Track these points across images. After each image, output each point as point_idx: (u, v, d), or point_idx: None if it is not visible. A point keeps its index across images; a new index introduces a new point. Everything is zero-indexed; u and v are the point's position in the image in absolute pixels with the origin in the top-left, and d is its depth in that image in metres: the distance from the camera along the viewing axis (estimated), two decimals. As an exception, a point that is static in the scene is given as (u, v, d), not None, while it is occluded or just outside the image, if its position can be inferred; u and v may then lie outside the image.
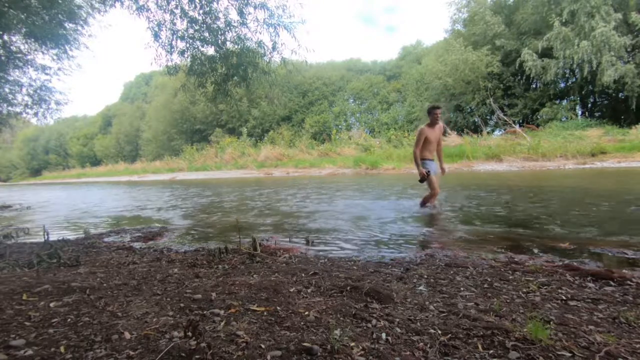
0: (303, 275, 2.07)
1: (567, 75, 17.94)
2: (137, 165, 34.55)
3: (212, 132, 30.69)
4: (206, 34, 5.21)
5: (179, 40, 5.27)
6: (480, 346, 1.19)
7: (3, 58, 6.30)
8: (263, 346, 1.21)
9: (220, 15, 5.21)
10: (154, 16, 5.11)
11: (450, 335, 1.26)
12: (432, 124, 4.49)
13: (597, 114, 18.03)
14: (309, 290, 1.80)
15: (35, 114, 7.80)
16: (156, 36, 5.18)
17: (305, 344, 1.20)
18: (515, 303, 1.57)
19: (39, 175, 47.06)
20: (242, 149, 25.87)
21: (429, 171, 4.38)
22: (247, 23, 5.21)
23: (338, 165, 18.03)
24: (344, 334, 1.25)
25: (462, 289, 1.78)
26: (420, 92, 23.62)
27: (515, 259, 2.34)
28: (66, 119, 46.74)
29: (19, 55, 6.51)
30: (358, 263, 2.39)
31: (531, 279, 1.89)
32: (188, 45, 5.33)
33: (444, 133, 4.84)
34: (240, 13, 5.13)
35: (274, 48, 5.33)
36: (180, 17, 5.12)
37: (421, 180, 4.41)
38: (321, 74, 29.76)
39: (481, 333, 1.26)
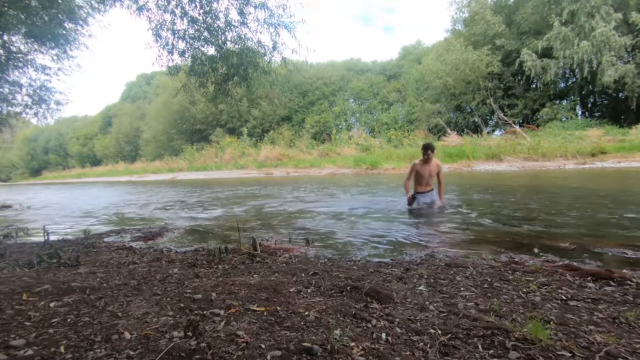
0: (303, 275, 2.07)
1: (567, 75, 17.95)
2: (137, 165, 34.57)
3: (212, 132, 30.70)
4: (206, 34, 5.20)
5: (179, 41, 5.26)
6: (480, 346, 1.19)
7: (3, 58, 6.29)
8: (263, 346, 1.20)
9: (221, 15, 5.20)
10: (154, 16, 5.11)
11: (450, 335, 1.26)
12: (425, 161, 4.59)
13: (597, 114, 18.04)
14: (309, 290, 1.79)
15: (35, 114, 7.78)
16: (158, 36, 5.18)
17: (305, 344, 1.20)
18: (515, 303, 1.57)
19: (39, 175, 47.07)
20: (242, 149, 25.88)
21: (413, 196, 4.68)
22: (247, 23, 5.20)
23: (338, 165, 18.03)
24: (344, 334, 1.25)
25: (462, 289, 1.78)
26: (420, 92, 23.63)
27: (515, 259, 2.34)
28: (66, 119, 46.82)
29: (19, 55, 6.50)
30: (358, 263, 2.39)
31: (531, 279, 1.88)
32: (188, 45, 5.32)
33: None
34: (241, 13, 5.11)
35: (274, 48, 5.31)
36: (181, 17, 5.11)
37: (408, 204, 4.72)
38: (321, 74, 29.76)
39: (481, 333, 1.26)
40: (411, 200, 4.63)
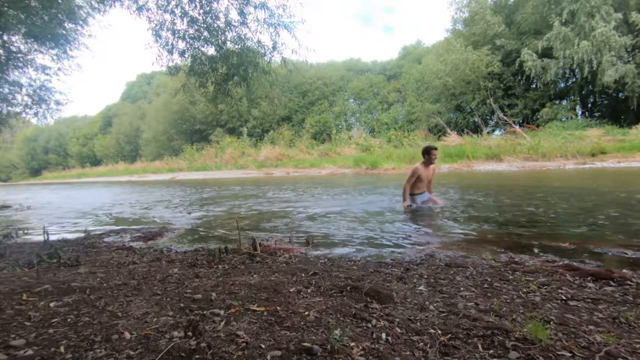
0: (303, 275, 2.07)
1: (567, 75, 17.96)
2: (137, 165, 34.59)
3: (212, 132, 30.71)
4: (206, 34, 5.20)
5: (179, 41, 5.26)
6: (480, 346, 1.19)
7: (3, 58, 6.29)
8: (263, 346, 1.21)
9: (221, 15, 5.20)
10: (154, 16, 5.11)
11: (450, 335, 1.26)
12: (427, 163, 4.62)
13: (597, 114, 18.05)
14: (309, 290, 1.79)
15: (35, 114, 7.78)
16: (157, 36, 5.18)
17: (305, 344, 1.20)
18: (515, 303, 1.57)
19: (39, 175, 47.09)
20: (242, 149, 25.89)
21: (410, 205, 4.62)
22: (247, 23, 5.20)
23: (338, 165, 18.03)
24: (344, 334, 1.25)
25: (462, 289, 1.78)
26: (420, 92, 23.64)
27: (515, 259, 2.34)
28: (66, 119, 46.84)
29: (19, 55, 6.50)
30: (358, 263, 2.39)
31: (531, 279, 1.88)
32: (188, 45, 5.32)
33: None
34: (241, 13, 5.11)
35: (274, 48, 5.31)
36: (181, 17, 5.11)
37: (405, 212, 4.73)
38: (321, 74, 29.76)
39: (481, 333, 1.26)
40: (406, 209, 4.64)
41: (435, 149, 4.63)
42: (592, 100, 18.39)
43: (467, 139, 15.92)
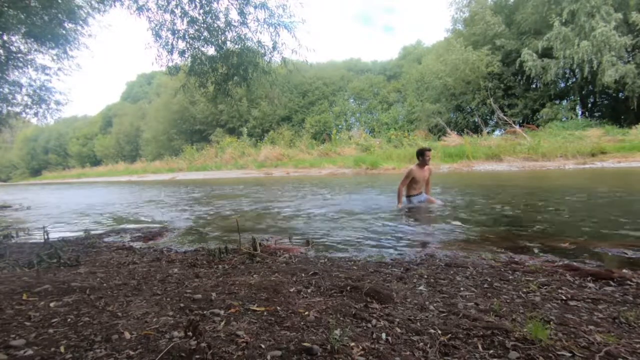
0: (303, 275, 2.07)
1: (567, 75, 17.96)
2: (137, 165, 34.60)
3: (212, 132, 30.72)
4: (206, 34, 5.21)
5: (179, 41, 5.27)
6: (480, 346, 1.19)
7: (3, 58, 6.30)
8: (263, 346, 1.20)
9: (221, 15, 5.22)
10: (154, 16, 5.12)
11: (450, 335, 1.26)
12: (421, 165, 4.69)
13: (597, 114, 18.05)
14: (309, 290, 1.79)
15: (35, 114, 7.80)
16: (157, 36, 5.18)
17: (305, 344, 1.20)
18: (515, 303, 1.57)
19: (39, 175, 47.11)
20: (242, 149, 25.89)
21: (403, 207, 4.69)
22: (247, 23, 5.21)
23: (338, 165, 18.03)
24: (344, 334, 1.25)
25: (462, 289, 1.78)
26: (420, 92, 23.64)
27: (515, 259, 2.34)
28: (66, 119, 46.92)
29: (19, 55, 6.50)
30: (358, 263, 2.39)
31: (531, 279, 1.88)
32: (188, 45, 5.33)
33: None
34: (241, 13, 5.12)
35: (274, 48, 5.33)
36: (181, 17, 5.12)
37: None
38: (321, 74, 29.77)
39: (481, 333, 1.26)
40: (402, 211, 4.66)
41: (429, 150, 4.70)
42: (592, 100, 18.39)
43: (467, 139, 15.92)
